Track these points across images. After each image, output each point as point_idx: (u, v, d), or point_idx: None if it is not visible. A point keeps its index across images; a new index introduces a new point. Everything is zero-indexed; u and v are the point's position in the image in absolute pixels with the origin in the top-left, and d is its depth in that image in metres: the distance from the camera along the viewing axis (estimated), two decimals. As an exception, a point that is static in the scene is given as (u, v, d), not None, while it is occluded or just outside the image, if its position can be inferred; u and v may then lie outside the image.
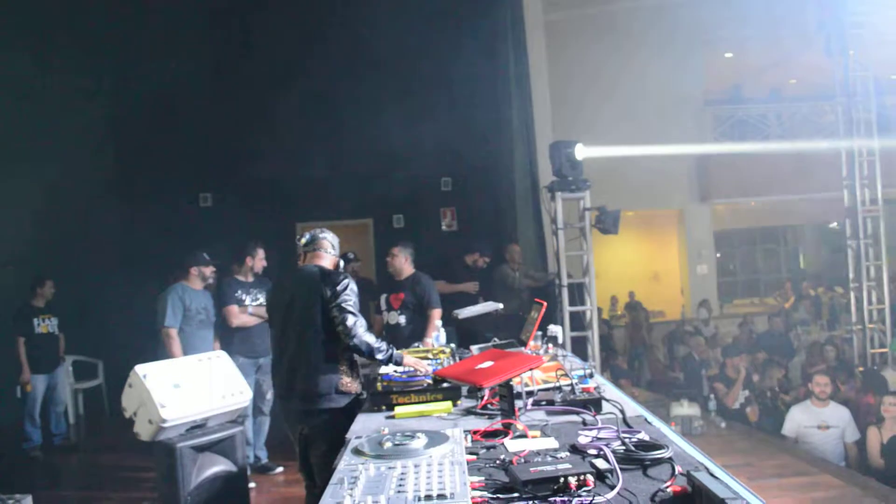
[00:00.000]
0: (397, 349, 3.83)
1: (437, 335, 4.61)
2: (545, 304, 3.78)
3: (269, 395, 6.23)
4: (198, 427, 4.60)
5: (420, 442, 2.21)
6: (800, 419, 6.67)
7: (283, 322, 3.88)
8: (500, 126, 9.51)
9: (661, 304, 15.77)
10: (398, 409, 3.07)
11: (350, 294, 3.67)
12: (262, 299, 6.21)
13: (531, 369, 2.76)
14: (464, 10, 9.33)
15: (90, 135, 9.45)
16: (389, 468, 2.02)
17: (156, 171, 9.51)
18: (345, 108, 9.56)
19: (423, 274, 5.99)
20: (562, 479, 1.99)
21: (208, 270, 6.14)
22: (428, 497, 1.77)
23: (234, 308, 6.09)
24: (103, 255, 9.06)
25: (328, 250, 3.98)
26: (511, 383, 2.71)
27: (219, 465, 4.59)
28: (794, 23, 10.73)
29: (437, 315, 5.58)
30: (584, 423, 2.75)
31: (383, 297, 6.02)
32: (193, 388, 4.56)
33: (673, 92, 13.31)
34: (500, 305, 4.70)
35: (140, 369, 4.47)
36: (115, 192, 9.81)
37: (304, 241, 4.03)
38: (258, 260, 6.36)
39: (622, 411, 2.82)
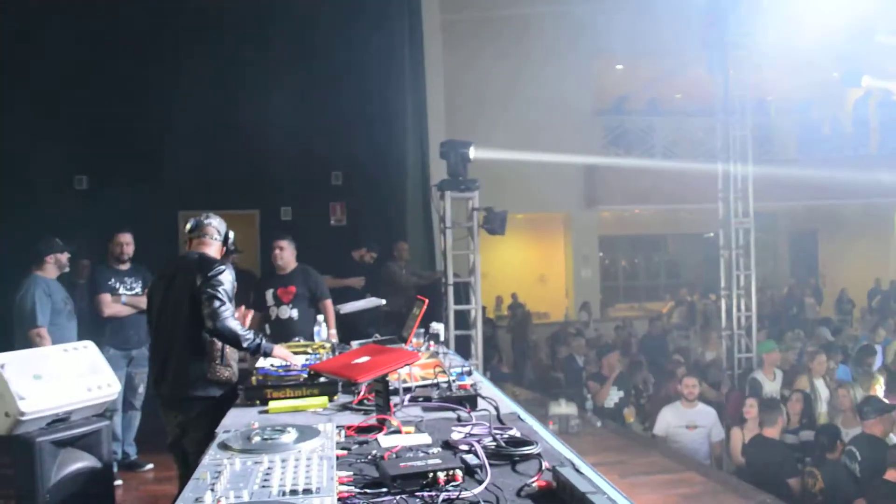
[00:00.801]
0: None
1: (318, 329, 4.54)
2: (426, 300, 3.79)
3: (141, 389, 5.98)
4: (60, 421, 4.36)
5: (290, 436, 2.17)
6: (670, 419, 6.94)
7: (159, 309, 3.81)
8: (393, 122, 9.49)
9: (546, 305, 16.15)
10: (272, 404, 3.00)
11: (223, 281, 3.58)
12: (137, 288, 5.96)
13: (406, 365, 2.76)
14: (360, 4, 9.27)
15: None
16: (256, 463, 1.97)
17: (25, 149, 8.96)
18: (235, 95, 9.30)
19: (309, 265, 5.91)
20: (431, 474, 1.98)
21: (64, 257, 5.75)
22: (294, 492, 1.73)
23: (107, 297, 5.81)
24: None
25: (214, 237, 3.87)
26: (387, 379, 2.70)
27: (82, 461, 4.36)
28: (682, 40, 11.16)
29: (330, 305, 5.55)
30: (459, 419, 2.77)
31: (269, 293, 5.82)
32: (57, 379, 4.32)
33: (565, 99, 13.67)
34: (383, 301, 4.70)
35: (-3, 358, 4.21)
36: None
37: (188, 227, 3.92)
38: (123, 245, 6.05)
39: (496, 408, 2.85)
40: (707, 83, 10.68)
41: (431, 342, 4.12)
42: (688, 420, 6.86)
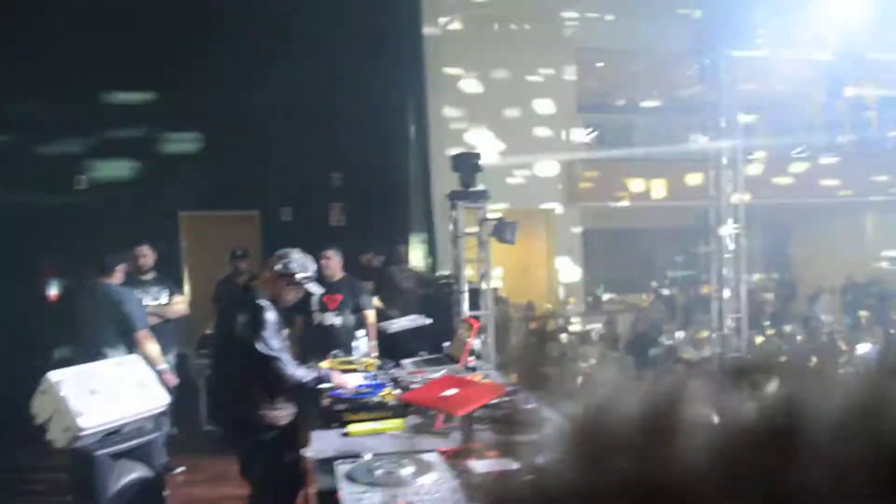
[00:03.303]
0: (330, 349, 3.94)
1: (356, 344, 4.74)
2: (476, 323, 4.02)
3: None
4: (114, 433, 4.53)
5: (409, 470, 2.38)
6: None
7: (216, 345, 3.91)
8: (393, 123, 9.66)
9: (529, 299, 16.42)
10: (351, 427, 3.20)
11: (271, 331, 3.63)
12: (162, 298, 6.11)
13: (497, 398, 2.98)
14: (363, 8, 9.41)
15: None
16: (392, 496, 2.19)
17: (20, 150, 9.00)
18: (234, 95, 9.38)
19: (355, 277, 6.10)
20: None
21: (128, 267, 5.87)
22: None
23: (131, 308, 5.95)
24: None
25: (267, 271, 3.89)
26: (470, 407, 2.92)
27: (136, 472, 4.54)
28: (669, 41, 11.44)
29: (372, 316, 5.74)
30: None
31: (315, 298, 6.01)
32: (110, 393, 4.49)
33: (547, 99, 14.01)
34: (430, 321, 4.88)
35: (53, 376, 4.35)
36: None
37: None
38: (140, 258, 6.20)
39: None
40: (689, 81, 11.05)
41: (473, 357, 4.35)
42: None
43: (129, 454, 4.51)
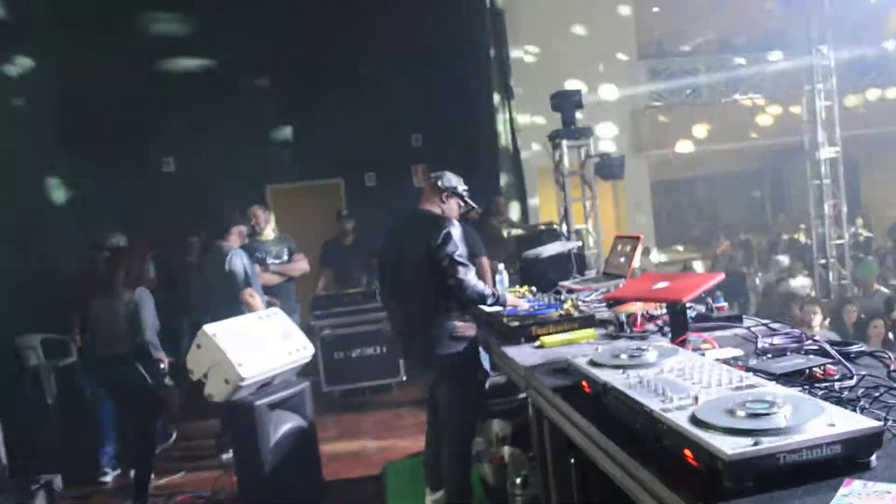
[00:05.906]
0: None
1: (501, 278, 4.69)
2: (640, 236, 3.94)
3: None
4: (267, 384, 4.57)
5: (653, 353, 2.32)
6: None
7: (395, 268, 3.90)
8: (470, 81, 9.56)
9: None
10: (545, 339, 3.17)
11: (457, 241, 3.66)
12: (284, 257, 6.17)
13: (713, 282, 2.90)
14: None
15: (37, 100, 9.01)
16: (657, 374, 2.12)
17: (115, 138, 9.15)
18: (310, 65, 9.40)
19: (467, 225, 6.04)
20: (807, 371, 2.18)
21: (246, 228, 5.88)
22: (738, 388, 1.89)
23: (257, 268, 6.00)
24: (61, 229, 8.63)
25: (434, 192, 3.97)
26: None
27: (290, 422, 4.58)
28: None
29: (486, 262, 5.69)
30: (738, 336, 2.94)
31: None
32: (261, 345, 4.53)
33: (607, 47, 13.78)
34: (579, 243, 4.81)
35: (209, 329, 4.39)
36: (71, 162, 9.44)
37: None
38: (253, 219, 6.27)
39: (765, 324, 3.02)
40: (757, 17, 10.73)
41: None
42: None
43: (282, 405, 4.55)
